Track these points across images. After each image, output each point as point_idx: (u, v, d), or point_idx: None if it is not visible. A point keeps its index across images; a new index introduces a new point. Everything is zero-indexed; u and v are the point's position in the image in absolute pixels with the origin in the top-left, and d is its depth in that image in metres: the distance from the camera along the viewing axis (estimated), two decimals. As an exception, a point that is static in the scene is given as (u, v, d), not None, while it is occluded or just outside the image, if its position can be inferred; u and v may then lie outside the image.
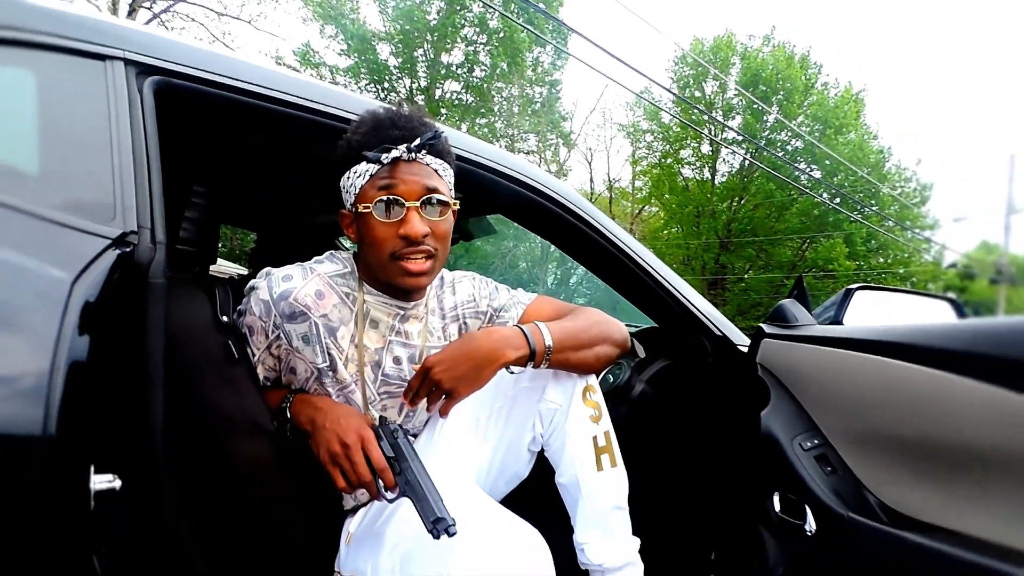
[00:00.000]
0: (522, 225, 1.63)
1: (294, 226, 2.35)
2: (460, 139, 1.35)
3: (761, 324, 1.47)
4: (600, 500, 1.26)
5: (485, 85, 20.35)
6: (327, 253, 1.25)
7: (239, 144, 1.53)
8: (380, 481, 1.05)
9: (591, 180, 25.56)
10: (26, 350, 0.72)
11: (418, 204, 1.10)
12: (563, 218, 1.49)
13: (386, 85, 20.03)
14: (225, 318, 1.10)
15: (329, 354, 1.15)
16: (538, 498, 1.33)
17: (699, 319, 1.61)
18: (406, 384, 1.22)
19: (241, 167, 1.76)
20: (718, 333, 1.62)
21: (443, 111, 20.13)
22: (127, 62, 0.99)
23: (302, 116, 1.18)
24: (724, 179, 22.58)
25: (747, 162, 20.71)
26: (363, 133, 1.11)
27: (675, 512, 1.64)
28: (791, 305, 1.46)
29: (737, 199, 21.92)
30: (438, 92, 20.40)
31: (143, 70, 1.01)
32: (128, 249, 0.87)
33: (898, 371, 1.14)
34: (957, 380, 1.05)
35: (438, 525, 0.96)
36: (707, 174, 22.88)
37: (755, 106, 19.68)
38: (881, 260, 22.06)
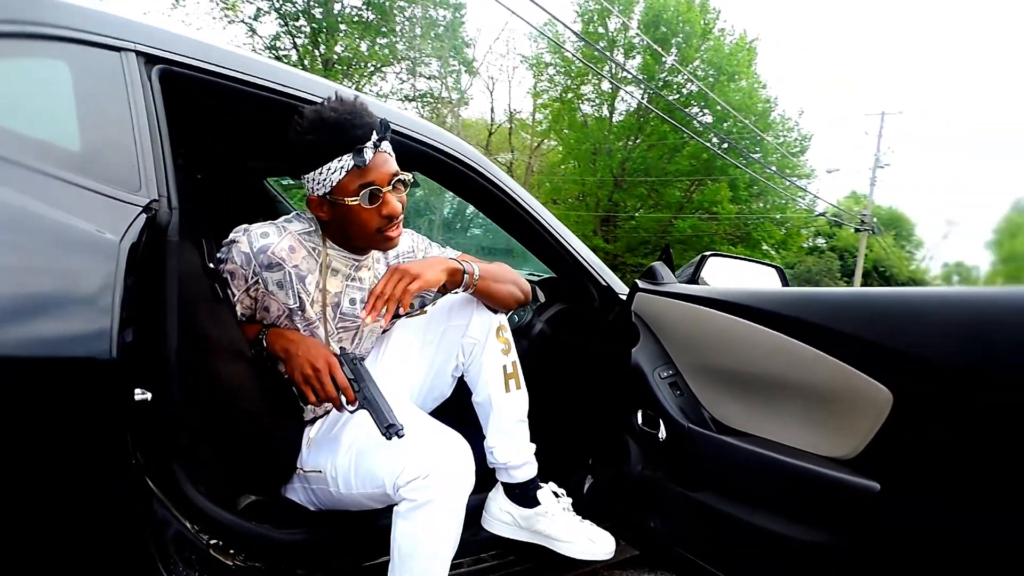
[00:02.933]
0: (439, 183, 1.93)
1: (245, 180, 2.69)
2: (383, 110, 1.56)
3: (636, 280, 1.83)
4: (507, 414, 1.60)
5: (387, 3, 19.58)
6: (293, 213, 1.49)
7: (216, 116, 1.73)
8: (343, 397, 1.33)
9: (492, 110, 25.39)
10: (94, 294, 0.96)
11: (390, 188, 1.35)
12: (474, 180, 1.79)
13: (282, -5, 18.91)
14: (212, 265, 1.34)
15: (299, 297, 1.42)
16: (456, 415, 1.62)
17: (588, 271, 1.97)
18: (359, 320, 1.53)
19: (216, 134, 1.98)
20: (603, 283, 1.98)
21: (343, 27, 19.29)
22: (138, 53, 1.18)
23: (272, 97, 1.42)
24: (621, 118, 22.99)
25: (644, 103, 21.09)
26: (328, 136, 1.30)
27: (562, 424, 1.98)
28: (659, 267, 1.83)
29: (633, 138, 22.41)
30: (337, 6, 19.48)
31: (149, 59, 1.20)
32: (151, 214, 1.09)
33: (722, 320, 1.54)
34: (757, 328, 1.44)
35: (390, 430, 1.24)
36: (606, 112, 23.21)
37: (654, 48, 19.93)
38: (761, 205, 23.28)
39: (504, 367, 1.60)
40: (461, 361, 1.62)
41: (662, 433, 1.62)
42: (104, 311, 0.95)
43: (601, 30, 22.08)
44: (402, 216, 1.40)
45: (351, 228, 1.39)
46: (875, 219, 21.80)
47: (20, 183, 0.95)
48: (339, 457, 1.40)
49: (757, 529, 1.39)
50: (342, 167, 1.31)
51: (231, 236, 1.38)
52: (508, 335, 1.63)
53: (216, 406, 1.29)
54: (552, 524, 1.62)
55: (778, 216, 23.10)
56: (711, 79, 20.88)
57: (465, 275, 1.50)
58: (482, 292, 1.55)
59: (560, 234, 1.92)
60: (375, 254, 1.55)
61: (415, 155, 1.66)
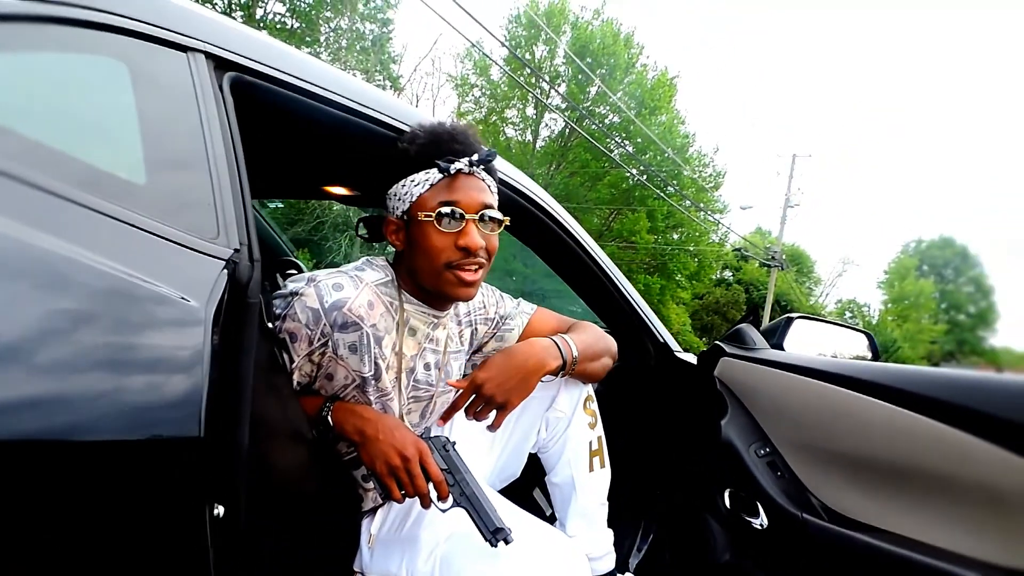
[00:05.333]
0: None
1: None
2: None
3: (719, 343, 1.65)
4: (590, 496, 1.42)
5: (313, 12, 19.14)
6: (363, 260, 1.25)
7: (287, 135, 1.37)
8: (433, 492, 1.11)
9: (417, 128, 25.07)
10: (177, 380, 0.70)
11: (476, 217, 1.14)
12: (535, 217, 1.54)
13: (199, -6, 18.15)
14: (271, 324, 1.07)
15: (376, 363, 1.16)
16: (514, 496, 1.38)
17: (647, 326, 1.76)
18: (432, 389, 1.29)
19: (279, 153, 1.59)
20: (660, 340, 1.78)
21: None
22: (207, 55, 0.92)
23: (353, 120, 1.17)
24: (544, 144, 23.19)
25: (567, 130, 21.37)
26: (422, 144, 1.14)
27: (622, 494, 1.70)
28: (748, 329, 1.66)
29: (555, 165, 22.63)
30: (259, 11, 18.86)
31: (220, 64, 0.94)
32: (231, 268, 0.81)
33: (837, 395, 1.36)
34: (899, 411, 1.26)
35: (497, 535, 1.03)
36: (529, 137, 23.36)
37: (580, 76, 20.28)
38: (676, 236, 23.96)
39: (590, 443, 1.41)
40: (542, 437, 1.43)
41: (762, 520, 1.42)
42: (190, 400, 0.70)
43: (528, 56, 22.29)
44: (484, 263, 1.18)
45: (420, 259, 1.16)
46: (784, 256, 22.74)
47: (83, 229, 0.69)
48: (419, 562, 1.15)
49: None
50: (428, 179, 1.14)
51: (291, 287, 1.12)
52: (595, 406, 1.45)
53: (270, 498, 1.01)
54: None
55: (692, 247, 23.80)
56: (633, 112, 21.40)
57: (563, 367, 1.29)
58: (577, 375, 1.36)
59: (621, 284, 1.71)
60: (450, 309, 1.32)
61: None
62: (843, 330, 1.90)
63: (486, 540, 1.04)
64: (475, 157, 1.14)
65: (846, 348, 1.83)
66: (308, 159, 1.63)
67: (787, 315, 1.77)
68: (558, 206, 1.64)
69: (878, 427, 1.30)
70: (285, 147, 1.43)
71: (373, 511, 1.29)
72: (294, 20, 19.26)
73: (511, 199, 1.48)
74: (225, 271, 0.80)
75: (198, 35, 0.92)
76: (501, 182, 1.39)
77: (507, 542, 1.03)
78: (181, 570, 0.74)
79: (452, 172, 1.12)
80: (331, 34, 19.97)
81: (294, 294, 1.11)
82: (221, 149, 0.87)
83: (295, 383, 1.16)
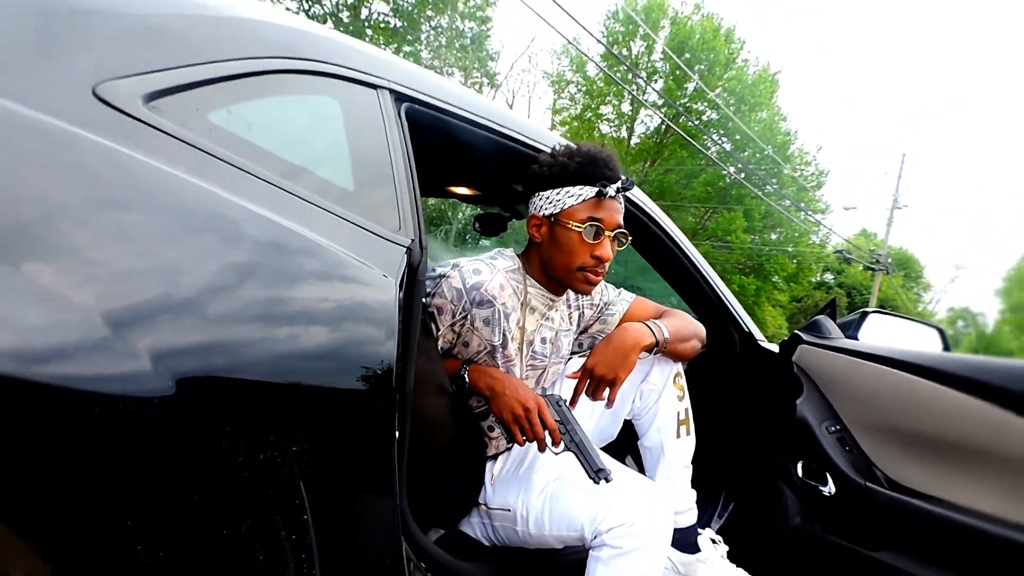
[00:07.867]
0: None
1: None
2: (513, 119, 1.53)
3: (797, 332, 1.85)
4: (676, 460, 1.63)
5: (415, 11, 19.68)
6: (495, 251, 1.52)
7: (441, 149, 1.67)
8: (549, 439, 1.33)
9: (512, 124, 25.28)
10: (378, 337, 0.94)
11: (612, 235, 1.41)
12: (636, 217, 1.75)
13: (310, -3, 18.99)
14: (425, 299, 1.33)
15: (504, 335, 1.43)
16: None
17: (732, 314, 1.96)
18: (546, 359, 1.56)
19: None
20: (745, 329, 1.98)
21: (368, 32, 19.38)
22: (390, 91, 1.18)
23: (497, 139, 1.44)
24: (639, 140, 23.00)
25: (663, 126, 21.11)
26: (580, 163, 1.39)
27: (707, 467, 1.92)
28: (825, 320, 1.85)
29: (650, 162, 22.42)
30: (364, 11, 19.57)
31: (398, 97, 1.20)
32: (409, 254, 1.06)
33: (903, 380, 1.55)
34: (948, 392, 1.46)
35: (600, 474, 1.25)
36: (624, 133, 23.23)
37: (678, 72, 19.98)
38: (774, 236, 23.25)
39: (678, 413, 1.62)
40: (637, 405, 1.64)
41: (830, 488, 1.63)
42: (390, 352, 0.94)
43: (625, 52, 22.12)
44: (605, 270, 1.43)
45: (557, 256, 1.42)
46: (889, 259, 21.67)
47: (320, 223, 0.93)
48: (532, 498, 1.42)
49: None
50: (581, 195, 1.38)
51: (439, 270, 1.41)
52: (683, 382, 1.66)
53: (415, 441, 1.28)
54: (711, 571, 1.63)
55: (790, 248, 23.04)
56: (732, 108, 20.88)
57: (656, 345, 1.51)
58: (668, 354, 1.57)
59: (711, 278, 1.90)
60: (564, 295, 1.57)
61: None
62: (916, 325, 2.02)
63: (590, 478, 1.26)
64: (619, 185, 1.37)
65: (918, 342, 1.95)
66: (451, 167, 1.90)
67: (863, 309, 1.93)
68: (658, 209, 1.80)
69: (940, 409, 1.48)
70: (437, 158, 1.69)
71: (495, 456, 1.55)
72: (397, 19, 19.84)
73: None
74: (405, 255, 1.04)
75: (384, 75, 1.17)
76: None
77: (607, 480, 1.25)
78: (376, 469, 0.97)
79: (605, 196, 1.37)
80: (431, 32, 20.47)
81: (442, 276, 1.39)
82: (401, 163, 1.13)
83: (439, 348, 1.41)
